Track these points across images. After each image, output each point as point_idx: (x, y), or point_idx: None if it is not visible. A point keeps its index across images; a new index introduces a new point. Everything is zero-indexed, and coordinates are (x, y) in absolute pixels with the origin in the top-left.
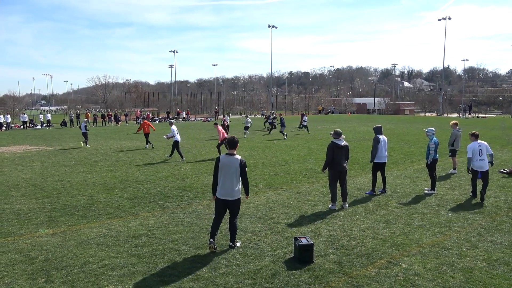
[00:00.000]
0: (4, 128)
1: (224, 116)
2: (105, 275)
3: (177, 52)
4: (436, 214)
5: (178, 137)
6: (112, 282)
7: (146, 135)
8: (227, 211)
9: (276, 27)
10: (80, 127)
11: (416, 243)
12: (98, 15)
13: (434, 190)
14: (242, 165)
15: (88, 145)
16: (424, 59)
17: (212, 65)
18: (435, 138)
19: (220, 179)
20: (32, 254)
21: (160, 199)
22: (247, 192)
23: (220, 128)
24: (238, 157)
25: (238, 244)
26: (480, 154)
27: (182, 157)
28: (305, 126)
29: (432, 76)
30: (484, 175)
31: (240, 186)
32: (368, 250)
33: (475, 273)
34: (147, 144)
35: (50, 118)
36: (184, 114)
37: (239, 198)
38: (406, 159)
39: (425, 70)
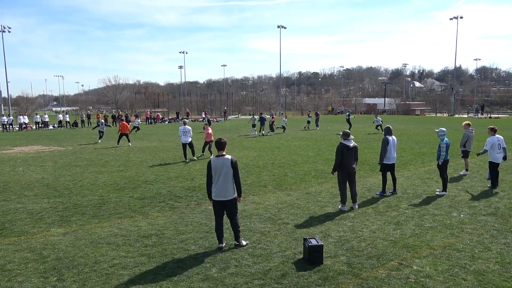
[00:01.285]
0: (17, 128)
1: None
2: (116, 274)
3: (186, 53)
4: (447, 215)
5: (183, 139)
6: (123, 281)
7: (126, 135)
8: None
9: (285, 28)
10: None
11: (428, 244)
12: (110, 16)
13: (446, 191)
14: (233, 164)
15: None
16: (435, 59)
17: (222, 65)
18: (446, 139)
19: (214, 181)
20: (44, 253)
21: (170, 199)
22: (239, 193)
23: (209, 129)
24: (229, 157)
25: (244, 243)
26: (499, 148)
27: (184, 158)
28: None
29: (444, 76)
30: (496, 167)
31: (234, 185)
32: (378, 251)
33: (488, 276)
34: (129, 142)
35: (66, 119)
36: (203, 115)
37: (235, 198)
38: (417, 159)
39: (436, 69)
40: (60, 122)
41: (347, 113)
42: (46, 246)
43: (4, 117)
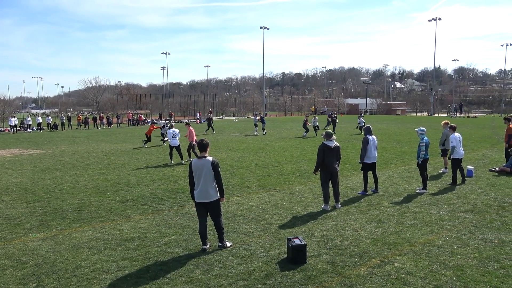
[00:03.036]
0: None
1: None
2: (97, 279)
3: (169, 54)
4: (427, 213)
5: (172, 141)
6: (105, 286)
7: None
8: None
9: (268, 28)
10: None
11: (408, 242)
12: (91, 17)
13: (426, 189)
14: (214, 166)
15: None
16: (415, 60)
17: (205, 66)
18: (426, 138)
19: (196, 183)
20: (23, 259)
21: (153, 201)
22: (221, 193)
23: (191, 129)
24: (210, 158)
25: (228, 244)
26: (460, 145)
27: (170, 159)
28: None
29: (423, 76)
30: (460, 163)
31: (216, 187)
32: (360, 249)
33: (466, 271)
34: (146, 142)
35: (48, 121)
36: (198, 115)
37: (217, 199)
38: (398, 158)
39: (416, 70)
40: (39, 124)
41: (331, 114)
42: (24, 252)
43: None
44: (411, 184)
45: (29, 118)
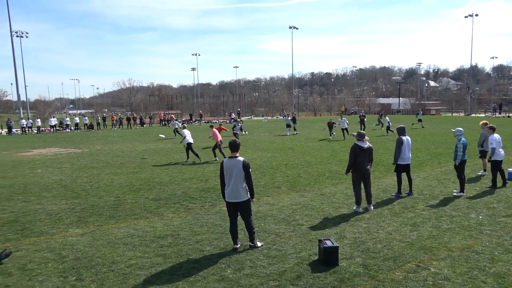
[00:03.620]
0: (36, 131)
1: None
2: (133, 274)
3: (199, 55)
4: (465, 217)
5: (190, 139)
6: (140, 282)
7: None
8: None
9: (297, 28)
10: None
11: (445, 246)
12: (122, 20)
13: (463, 192)
14: (245, 166)
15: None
16: (450, 58)
17: (234, 67)
18: (463, 139)
19: (226, 183)
20: (63, 253)
21: (185, 200)
22: (251, 194)
23: (215, 130)
24: (241, 158)
25: (258, 244)
26: (500, 146)
27: (198, 157)
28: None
29: (459, 74)
30: (500, 165)
31: (246, 187)
32: (395, 253)
33: (509, 279)
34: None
35: (84, 121)
36: (231, 115)
37: (248, 199)
38: (433, 160)
39: (452, 68)
40: (76, 124)
41: (361, 113)
42: (65, 246)
43: (23, 120)
44: (447, 187)
45: (67, 118)
